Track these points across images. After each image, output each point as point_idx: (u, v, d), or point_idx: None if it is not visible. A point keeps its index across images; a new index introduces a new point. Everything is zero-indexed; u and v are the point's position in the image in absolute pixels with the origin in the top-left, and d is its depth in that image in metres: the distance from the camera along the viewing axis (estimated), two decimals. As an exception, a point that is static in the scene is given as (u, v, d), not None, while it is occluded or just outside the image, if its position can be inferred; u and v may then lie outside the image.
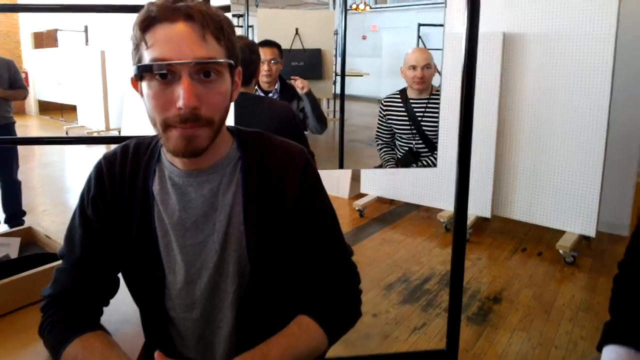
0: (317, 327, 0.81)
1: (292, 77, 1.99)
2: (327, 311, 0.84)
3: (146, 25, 0.70)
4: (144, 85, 0.72)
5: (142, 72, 0.71)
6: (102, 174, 0.84)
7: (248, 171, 0.82)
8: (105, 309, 0.88)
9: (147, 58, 0.70)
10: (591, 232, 2.94)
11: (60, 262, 0.87)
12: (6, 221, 3.33)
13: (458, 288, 1.72)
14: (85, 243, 0.83)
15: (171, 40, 0.69)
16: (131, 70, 0.74)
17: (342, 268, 0.88)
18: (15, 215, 3.35)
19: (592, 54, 2.79)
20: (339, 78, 2.07)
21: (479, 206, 3.27)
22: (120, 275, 0.89)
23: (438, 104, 2.07)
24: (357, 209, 3.76)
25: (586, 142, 2.87)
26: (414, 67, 2.00)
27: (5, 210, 3.34)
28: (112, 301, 0.89)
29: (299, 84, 1.98)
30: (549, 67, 2.97)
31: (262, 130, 0.89)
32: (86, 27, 8.27)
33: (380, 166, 2.22)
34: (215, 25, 0.72)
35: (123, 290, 0.89)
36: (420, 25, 2.06)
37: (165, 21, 0.70)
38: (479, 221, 3.39)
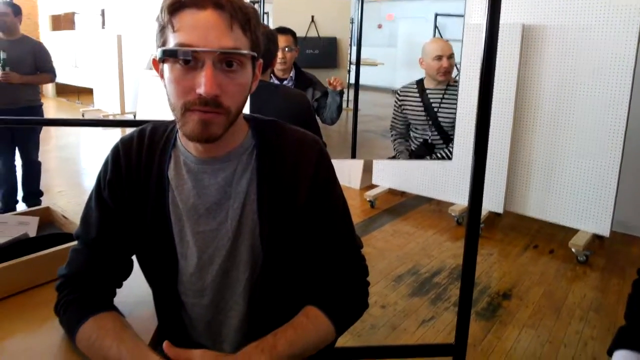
0: (325, 318, 0.81)
1: (332, 79, 1.98)
2: (334, 302, 0.84)
3: (175, 8, 0.70)
4: (166, 67, 0.73)
5: (167, 56, 0.71)
6: (119, 157, 0.84)
7: (262, 160, 0.82)
8: (120, 290, 0.89)
9: (172, 42, 0.70)
10: (605, 232, 2.89)
11: (76, 242, 0.89)
12: (24, 200, 3.40)
13: (469, 282, 1.70)
14: (101, 224, 0.84)
15: (198, 27, 0.69)
16: (154, 51, 0.74)
17: (351, 260, 0.88)
18: (33, 195, 3.41)
19: (613, 49, 2.72)
20: (353, 67, 2.05)
21: (491, 201, 3.23)
22: (134, 258, 0.90)
23: (455, 95, 2.04)
24: (368, 200, 3.75)
25: (604, 139, 2.82)
26: (439, 57, 1.96)
27: (23, 189, 3.40)
28: (127, 283, 0.90)
29: (336, 84, 1.97)
30: (567, 60, 2.91)
31: (276, 118, 0.89)
32: (103, 11, 8.29)
33: (394, 157, 2.20)
34: (244, 17, 0.72)
35: (138, 272, 0.91)
36: (437, 15, 2.02)
37: (194, 7, 0.70)
38: (491, 216, 3.37)
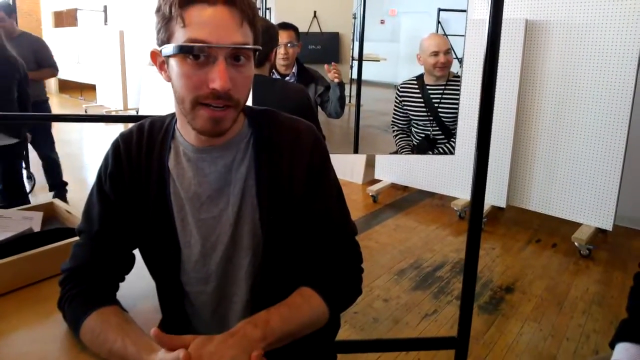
0: (319, 298, 0.83)
1: (327, 66, 1.98)
2: (328, 284, 0.86)
3: (185, 3, 0.70)
4: (174, 62, 0.73)
5: (180, 52, 0.71)
6: (119, 151, 0.86)
7: (259, 148, 0.84)
8: (123, 284, 0.90)
9: (181, 37, 0.71)
10: (608, 226, 2.89)
11: (78, 238, 0.89)
12: (51, 189, 3.53)
13: (472, 276, 1.70)
14: (103, 218, 0.85)
15: (211, 23, 0.70)
16: (155, 45, 0.75)
17: (345, 244, 0.90)
18: (58, 187, 3.53)
19: (616, 44, 2.71)
20: (356, 62, 2.05)
21: (494, 195, 3.23)
22: (136, 252, 0.91)
23: (456, 90, 2.04)
24: (370, 194, 3.75)
25: (607, 133, 2.81)
26: (435, 53, 1.97)
27: (48, 182, 3.53)
28: (130, 277, 0.91)
29: (334, 74, 1.96)
30: (571, 56, 2.90)
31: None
32: (105, 7, 8.30)
33: (396, 152, 2.20)
34: (252, 12, 0.74)
35: (141, 265, 0.91)
36: (440, 10, 2.02)
37: (205, 2, 0.70)
38: (494, 210, 3.37)
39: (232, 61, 0.72)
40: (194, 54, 0.70)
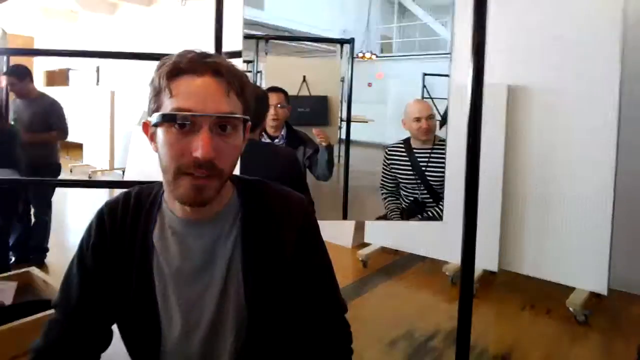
0: None
1: (314, 130, 2.00)
2: None
3: (173, 75, 0.72)
4: (160, 132, 0.73)
5: (165, 121, 0.71)
6: (103, 221, 0.83)
7: (248, 220, 0.82)
8: None
9: (169, 106, 0.71)
10: (603, 290, 2.83)
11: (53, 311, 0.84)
12: (31, 252, 3.42)
13: (465, 346, 1.63)
14: (81, 291, 0.81)
15: (197, 93, 0.71)
16: (147, 116, 0.75)
17: (335, 324, 0.88)
18: (39, 250, 3.45)
19: (596, 110, 2.78)
20: (344, 124, 2.07)
21: (485, 259, 3.17)
22: (114, 328, 0.86)
23: (442, 154, 2.06)
24: (360, 259, 3.67)
25: (594, 197, 2.82)
26: (418, 119, 2.01)
27: (31, 243, 3.44)
28: (105, 354, 0.85)
29: (321, 137, 1.98)
30: (554, 120, 2.97)
31: (264, 176, 0.89)
32: (98, 68, 8.49)
33: (385, 217, 2.17)
34: (240, 83, 0.75)
35: (118, 342, 0.85)
36: (425, 74, 2.07)
37: (193, 73, 0.72)
38: (485, 275, 3.29)
39: (218, 130, 0.72)
40: (179, 123, 0.70)
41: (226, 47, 1.90)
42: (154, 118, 0.73)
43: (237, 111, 0.74)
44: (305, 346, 0.85)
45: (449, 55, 2.01)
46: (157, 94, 0.74)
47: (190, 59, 0.72)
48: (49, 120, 3.31)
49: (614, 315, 2.86)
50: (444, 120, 2.06)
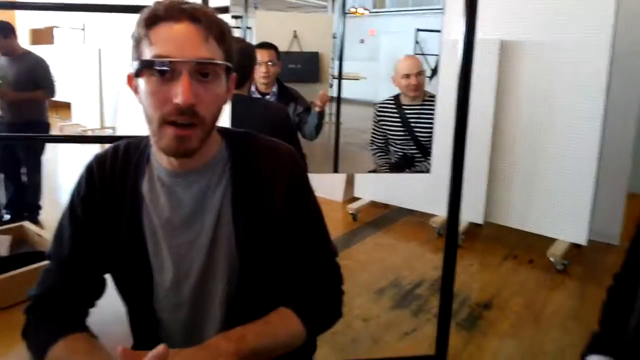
0: (296, 318, 0.82)
1: (321, 92, 2.00)
2: (307, 305, 0.85)
3: (151, 22, 0.72)
4: (142, 81, 0.73)
5: (143, 68, 0.71)
6: (92, 174, 0.84)
7: (237, 171, 0.83)
8: (94, 309, 0.87)
9: (148, 54, 0.71)
10: (582, 241, 2.95)
11: (48, 262, 0.87)
12: (24, 210, 3.48)
13: (448, 294, 1.72)
14: (74, 242, 0.83)
15: (175, 39, 0.71)
16: (129, 67, 0.74)
17: (326, 267, 0.90)
18: (32, 208, 3.49)
19: (588, 65, 2.80)
20: (336, 81, 2.07)
21: (471, 212, 3.27)
22: (108, 276, 0.89)
23: (432, 110, 2.08)
24: (350, 212, 3.76)
25: (580, 151, 2.89)
26: (407, 76, 2.02)
27: (23, 201, 3.49)
28: (101, 302, 0.88)
29: (322, 102, 1.98)
30: (545, 76, 2.99)
31: (254, 131, 0.90)
32: (84, 25, 8.24)
33: (374, 171, 2.22)
34: (219, 29, 0.74)
35: (112, 291, 0.89)
36: (417, 30, 2.07)
37: (171, 20, 0.71)
38: (471, 227, 3.40)
39: (199, 77, 0.72)
40: (159, 70, 0.70)
41: (214, 2, 1.88)
42: (134, 66, 0.73)
43: (216, 58, 0.73)
44: (296, 289, 0.87)
45: (441, 10, 2.00)
46: (137, 44, 0.73)
47: (168, 5, 0.72)
48: (35, 78, 3.27)
49: (591, 264, 3.00)
50: (434, 72, 2.07)
